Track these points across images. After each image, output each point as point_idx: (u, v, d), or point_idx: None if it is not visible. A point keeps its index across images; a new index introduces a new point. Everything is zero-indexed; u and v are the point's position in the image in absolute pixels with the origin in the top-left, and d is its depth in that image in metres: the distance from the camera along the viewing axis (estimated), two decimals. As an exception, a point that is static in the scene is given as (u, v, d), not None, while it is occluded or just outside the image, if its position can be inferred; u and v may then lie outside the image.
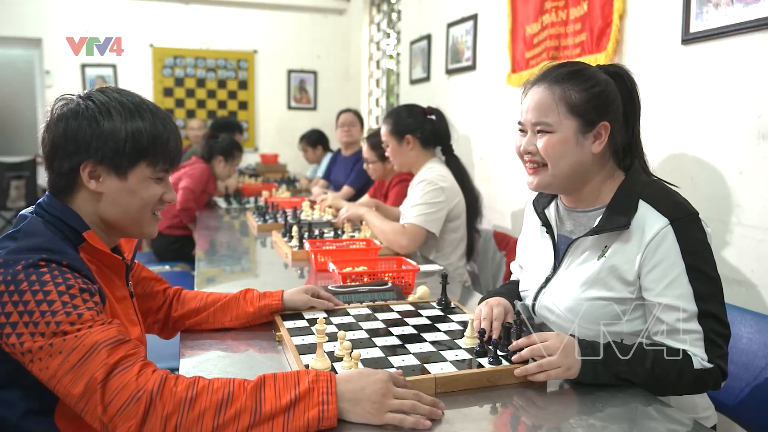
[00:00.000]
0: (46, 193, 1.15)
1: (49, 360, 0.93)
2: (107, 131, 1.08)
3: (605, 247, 1.26)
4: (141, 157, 1.12)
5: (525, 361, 1.15)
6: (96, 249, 1.12)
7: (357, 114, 4.31)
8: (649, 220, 1.21)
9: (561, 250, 1.38)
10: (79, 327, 0.94)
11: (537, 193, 1.49)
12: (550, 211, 1.44)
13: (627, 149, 1.33)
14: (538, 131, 1.28)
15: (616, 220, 1.24)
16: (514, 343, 1.18)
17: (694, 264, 1.18)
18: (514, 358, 1.16)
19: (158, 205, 1.19)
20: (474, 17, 3.37)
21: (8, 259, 0.99)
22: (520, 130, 1.33)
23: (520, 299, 1.47)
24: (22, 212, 1.13)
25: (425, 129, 2.55)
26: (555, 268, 1.38)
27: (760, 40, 1.68)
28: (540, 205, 1.46)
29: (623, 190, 1.28)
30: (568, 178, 1.29)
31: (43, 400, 1.02)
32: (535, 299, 1.40)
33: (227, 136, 4.08)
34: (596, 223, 1.28)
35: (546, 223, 1.42)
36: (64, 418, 1.06)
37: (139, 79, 5.86)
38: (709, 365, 1.17)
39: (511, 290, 1.51)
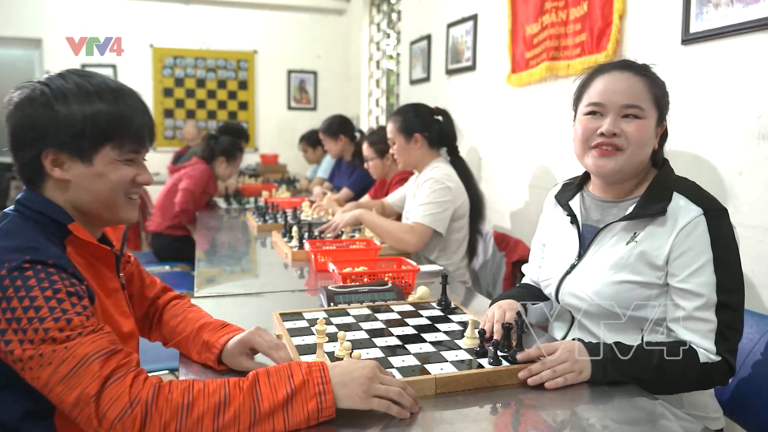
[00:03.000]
0: (24, 188, 1.11)
1: (40, 370, 0.91)
2: (63, 116, 1.04)
3: (635, 233, 1.29)
4: (104, 140, 1.07)
5: (532, 365, 1.16)
6: (83, 241, 1.09)
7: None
8: (683, 209, 1.24)
9: (587, 239, 1.39)
10: (69, 334, 0.92)
11: (559, 187, 1.53)
12: (575, 203, 1.46)
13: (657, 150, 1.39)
14: (627, 115, 1.29)
15: (652, 207, 1.27)
16: (523, 354, 1.18)
17: (721, 255, 1.20)
18: (519, 356, 1.17)
19: (132, 187, 1.13)
20: (474, 17, 3.37)
21: None
22: (591, 113, 1.33)
23: (532, 301, 1.49)
24: (4, 210, 1.09)
25: (433, 129, 2.55)
26: (580, 256, 1.39)
27: (760, 40, 1.68)
28: (564, 198, 1.48)
29: (658, 181, 1.32)
30: (638, 165, 1.32)
31: (41, 401, 1.00)
32: (558, 286, 1.41)
33: (228, 137, 4.07)
34: (629, 210, 1.30)
35: (571, 214, 1.44)
36: (64, 420, 1.04)
37: (139, 80, 5.85)
38: (717, 358, 1.18)
39: (522, 293, 1.52)
